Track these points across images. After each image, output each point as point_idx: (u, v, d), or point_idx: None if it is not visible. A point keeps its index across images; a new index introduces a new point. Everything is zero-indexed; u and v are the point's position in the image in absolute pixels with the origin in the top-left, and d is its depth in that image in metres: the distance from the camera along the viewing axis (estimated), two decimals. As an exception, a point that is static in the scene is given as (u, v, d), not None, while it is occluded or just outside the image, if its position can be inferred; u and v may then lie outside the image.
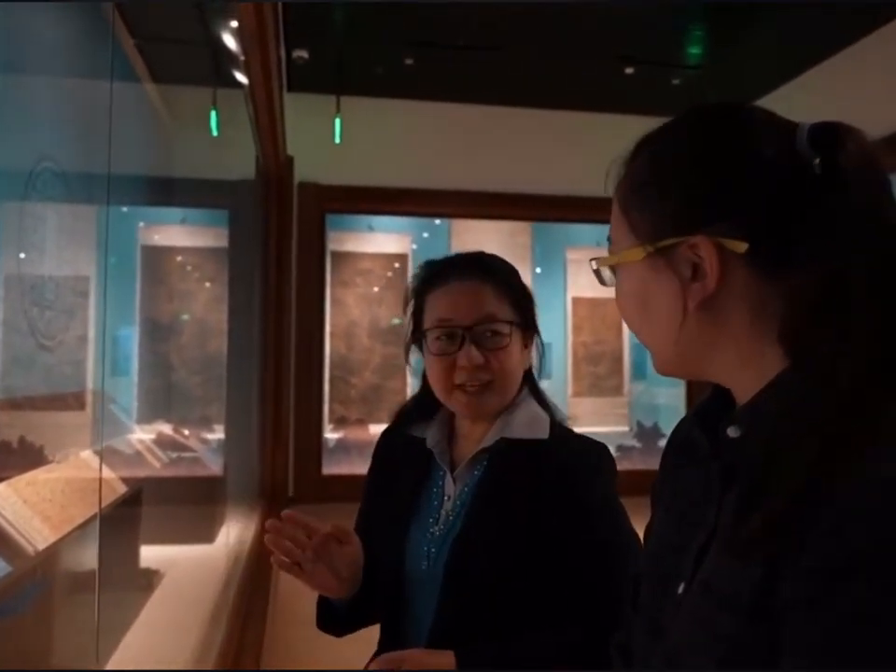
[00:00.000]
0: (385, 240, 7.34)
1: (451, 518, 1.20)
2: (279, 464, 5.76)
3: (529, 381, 1.25)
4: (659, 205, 0.70)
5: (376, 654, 1.23)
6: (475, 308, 1.16)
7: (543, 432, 1.19)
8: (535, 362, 1.28)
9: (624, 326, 8.02)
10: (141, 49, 3.18)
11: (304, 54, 5.24)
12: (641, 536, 1.17)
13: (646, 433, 7.46)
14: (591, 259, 0.79)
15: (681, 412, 7.18)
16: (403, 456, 1.30)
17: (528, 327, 1.22)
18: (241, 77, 4.04)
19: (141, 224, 4.86)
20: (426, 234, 7.47)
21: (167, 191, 3.71)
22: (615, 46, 5.22)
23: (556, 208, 6.70)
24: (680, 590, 0.71)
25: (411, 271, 7.32)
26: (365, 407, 7.13)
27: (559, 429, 1.21)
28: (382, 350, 7.13)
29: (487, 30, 4.94)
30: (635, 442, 7.28)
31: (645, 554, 0.84)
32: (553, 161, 6.57)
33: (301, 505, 5.99)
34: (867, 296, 0.62)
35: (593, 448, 1.20)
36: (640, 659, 0.78)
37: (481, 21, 4.80)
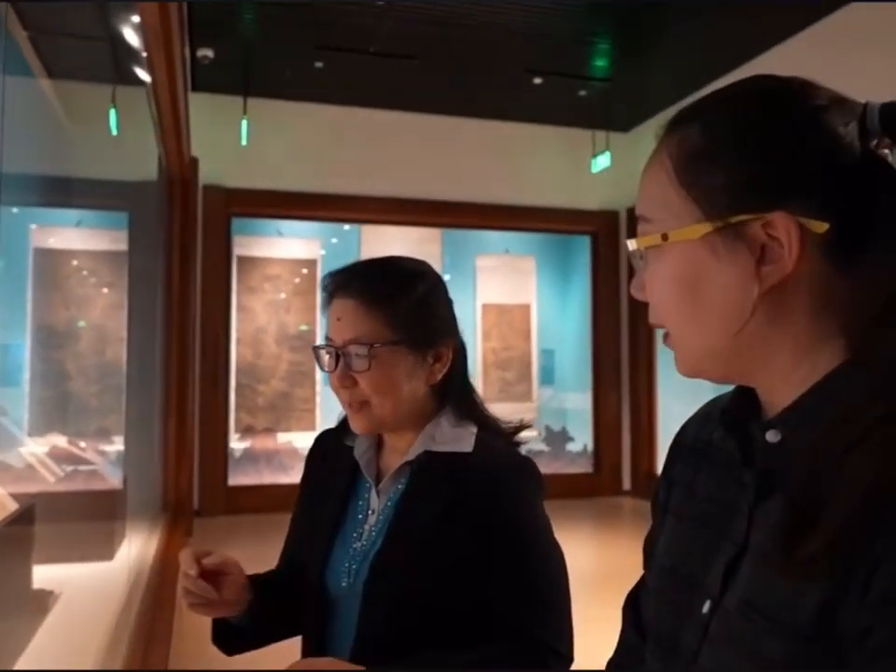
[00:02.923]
0: (293, 245, 7.23)
1: (373, 533, 1.17)
2: (183, 476, 5.56)
3: (450, 394, 1.21)
4: (728, 177, 0.62)
5: None
6: (345, 329, 1.15)
7: (467, 445, 1.17)
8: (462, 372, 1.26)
9: (533, 332, 8.10)
10: (35, 43, 3.03)
11: (210, 53, 5.11)
12: (563, 544, 1.16)
13: (554, 437, 7.58)
14: (628, 239, 0.69)
15: (589, 416, 7.33)
16: (332, 465, 1.26)
17: (421, 343, 1.17)
18: (143, 75, 3.89)
19: (33, 226, 4.63)
20: (334, 240, 7.40)
21: (62, 192, 3.54)
22: (523, 57, 5.30)
23: (466, 215, 6.74)
24: (706, 609, 0.65)
25: (319, 276, 7.24)
26: (273, 415, 6.99)
27: (485, 443, 1.18)
28: (290, 357, 7.01)
29: (399, 37, 4.93)
30: (543, 446, 7.40)
31: (655, 568, 0.76)
32: (463, 169, 6.61)
33: (208, 518, 5.81)
34: None
35: (516, 462, 1.18)
36: None
37: (393, 28, 4.79)
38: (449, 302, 1.25)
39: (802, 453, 0.59)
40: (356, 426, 1.18)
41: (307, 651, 1.19)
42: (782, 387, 0.64)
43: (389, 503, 1.18)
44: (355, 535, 1.18)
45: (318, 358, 1.20)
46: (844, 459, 0.54)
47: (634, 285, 0.70)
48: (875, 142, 0.61)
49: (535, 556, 1.12)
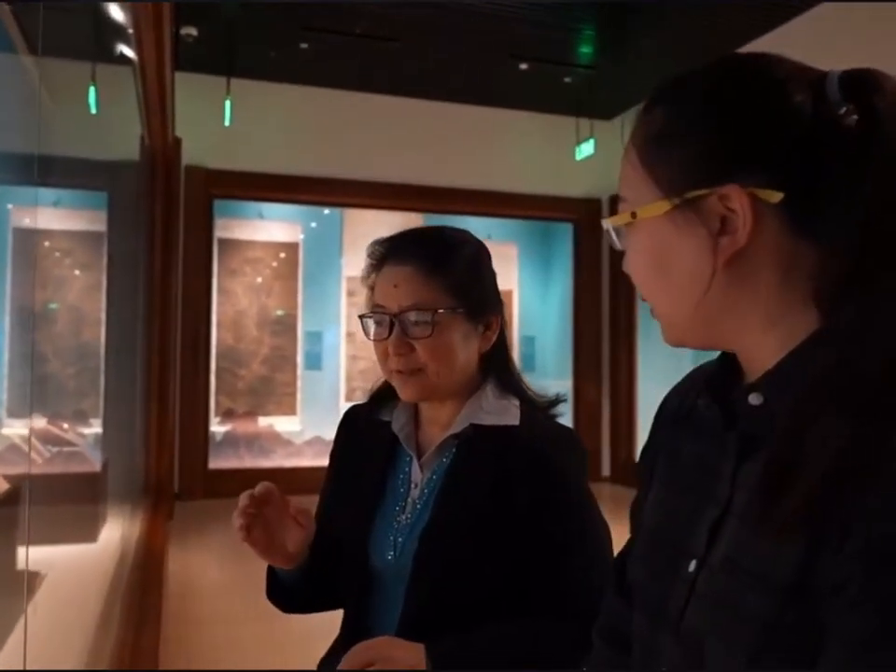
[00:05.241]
0: (274, 228, 7.17)
1: (418, 507, 1.16)
2: (164, 459, 5.53)
3: (494, 364, 1.21)
4: (683, 155, 0.65)
5: (334, 647, 1.19)
6: (402, 295, 1.13)
7: (514, 418, 1.16)
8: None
9: (514, 318, 8.14)
10: (17, 17, 2.97)
11: (193, 32, 5.04)
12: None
13: (533, 424, 7.62)
14: (603, 220, 0.72)
15: (569, 403, 7.37)
16: (368, 440, 1.25)
17: (476, 310, 1.17)
18: (128, 52, 3.83)
19: (10, 206, 4.56)
20: (314, 224, 7.35)
21: (40, 171, 3.48)
22: (509, 42, 5.29)
23: (448, 201, 6.73)
24: (691, 568, 0.67)
25: (301, 260, 7.20)
26: (253, 399, 6.95)
27: (530, 415, 1.18)
28: (270, 341, 6.97)
29: (384, 20, 4.90)
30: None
31: (643, 533, 0.78)
32: (447, 154, 6.60)
33: (187, 501, 5.78)
34: None
35: (564, 435, 1.19)
36: (645, 646, 0.72)
37: (378, 11, 4.76)
38: (494, 272, 1.25)
39: (782, 414, 0.61)
40: (407, 393, 1.16)
41: (349, 624, 1.19)
42: (759, 352, 0.67)
43: (434, 476, 1.17)
44: (397, 508, 1.18)
45: (365, 327, 1.19)
46: (820, 422, 0.56)
47: (623, 262, 0.73)
48: (843, 110, 0.62)
49: (587, 529, 1.13)
